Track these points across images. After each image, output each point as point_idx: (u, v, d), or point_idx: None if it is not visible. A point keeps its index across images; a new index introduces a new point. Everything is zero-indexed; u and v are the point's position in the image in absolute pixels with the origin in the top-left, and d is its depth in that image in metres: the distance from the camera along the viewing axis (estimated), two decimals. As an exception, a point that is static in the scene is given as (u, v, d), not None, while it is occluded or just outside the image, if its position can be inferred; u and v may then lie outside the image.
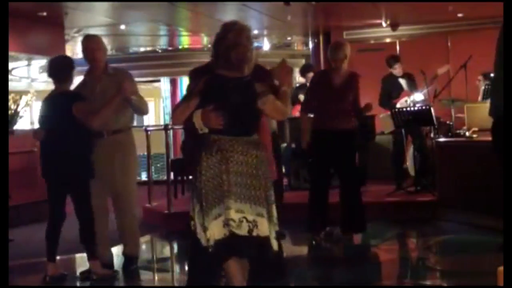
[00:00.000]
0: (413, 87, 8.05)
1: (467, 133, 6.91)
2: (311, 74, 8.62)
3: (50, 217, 4.89)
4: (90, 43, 5.00)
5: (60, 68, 4.88)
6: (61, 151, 4.76)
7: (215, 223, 3.44)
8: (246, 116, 3.59)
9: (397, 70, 8.11)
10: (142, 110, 5.09)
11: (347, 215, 5.87)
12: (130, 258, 5.17)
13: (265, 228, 3.49)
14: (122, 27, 10.29)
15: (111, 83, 4.87)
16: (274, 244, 3.53)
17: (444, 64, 8.64)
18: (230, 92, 3.54)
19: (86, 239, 4.83)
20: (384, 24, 10.31)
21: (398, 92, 8.01)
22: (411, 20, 10.41)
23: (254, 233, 3.45)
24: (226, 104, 3.51)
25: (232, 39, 3.54)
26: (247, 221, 3.45)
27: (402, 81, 8.05)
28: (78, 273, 5.13)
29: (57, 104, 4.80)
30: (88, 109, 4.71)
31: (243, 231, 3.43)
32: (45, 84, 15.22)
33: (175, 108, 3.86)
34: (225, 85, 3.55)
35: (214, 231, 3.44)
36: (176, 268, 5.89)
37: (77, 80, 5.13)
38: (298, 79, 10.31)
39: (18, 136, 7.99)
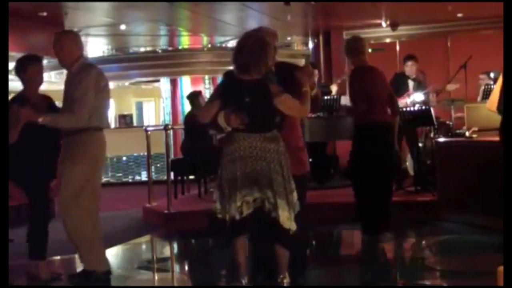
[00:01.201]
0: (420, 88, 8.01)
1: (467, 133, 6.91)
2: (315, 72, 8.62)
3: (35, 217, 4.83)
4: (53, 43, 4.67)
5: (15, 69, 4.81)
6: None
7: (233, 206, 3.85)
8: (262, 114, 3.88)
9: (408, 68, 8.07)
10: (62, 127, 4.52)
11: None
12: (85, 272, 4.65)
13: (283, 217, 3.84)
14: (122, 27, 10.29)
15: (73, 82, 4.56)
16: (293, 226, 3.88)
17: (447, 66, 8.65)
18: (245, 94, 3.85)
19: (31, 239, 4.80)
20: (384, 24, 10.32)
21: (403, 91, 7.98)
22: (411, 20, 10.41)
23: (273, 215, 3.84)
24: (243, 104, 3.84)
25: (239, 44, 3.93)
26: (269, 203, 3.85)
27: (411, 83, 8.02)
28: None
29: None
30: (14, 119, 4.45)
31: (266, 207, 3.85)
32: (45, 84, 15.24)
33: (203, 107, 4.28)
34: (239, 87, 3.88)
35: (231, 212, 3.86)
36: (176, 268, 5.89)
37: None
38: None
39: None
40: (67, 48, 4.59)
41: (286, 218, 3.86)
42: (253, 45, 3.85)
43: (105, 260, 4.75)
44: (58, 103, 5.13)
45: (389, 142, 5.77)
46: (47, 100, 4.90)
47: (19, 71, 4.77)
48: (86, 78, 4.49)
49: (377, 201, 5.71)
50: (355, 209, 5.90)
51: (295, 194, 3.95)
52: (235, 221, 3.86)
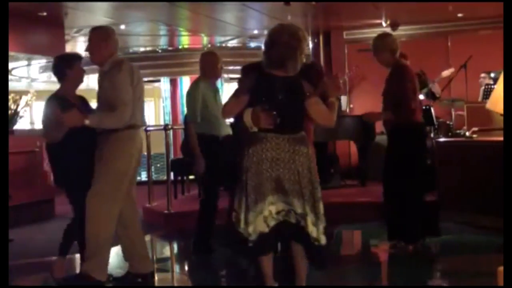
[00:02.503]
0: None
1: (467, 133, 6.91)
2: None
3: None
4: (88, 37, 4.57)
5: (52, 67, 4.73)
6: (50, 154, 4.69)
7: (259, 218, 3.56)
8: (293, 114, 3.61)
9: None
10: (107, 127, 4.35)
11: None
12: (81, 276, 4.47)
13: (311, 227, 3.58)
14: (122, 27, 10.28)
15: (106, 80, 4.41)
16: (323, 239, 3.61)
17: (447, 66, 8.62)
18: (277, 91, 3.57)
19: (64, 238, 4.72)
20: (384, 24, 10.32)
21: None
22: (411, 20, 10.41)
23: (301, 224, 3.58)
24: (273, 102, 3.54)
25: (272, 37, 3.62)
26: (295, 213, 3.58)
27: None
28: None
29: (45, 106, 4.66)
30: (48, 121, 4.44)
31: (292, 219, 3.59)
32: (45, 84, 15.26)
33: (226, 103, 3.89)
34: (272, 83, 3.59)
35: (257, 225, 3.55)
36: (176, 268, 5.89)
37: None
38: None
39: (18, 136, 8.01)
40: (96, 45, 4.47)
41: (314, 228, 3.58)
42: (290, 39, 3.57)
43: (106, 270, 4.59)
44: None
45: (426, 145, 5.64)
46: (82, 99, 4.78)
47: (63, 68, 4.63)
48: (119, 75, 4.32)
49: (419, 205, 5.43)
50: (391, 214, 5.49)
51: (321, 204, 3.66)
52: (262, 236, 3.56)
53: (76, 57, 4.76)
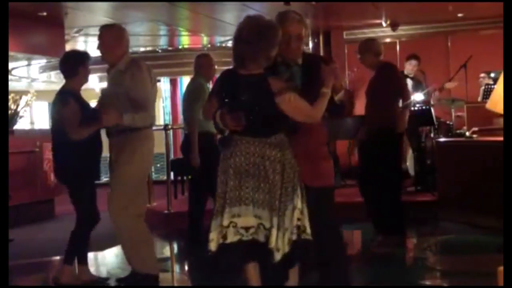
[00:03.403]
0: (418, 88, 8.03)
1: (467, 133, 6.91)
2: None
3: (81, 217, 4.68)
4: (99, 36, 4.47)
5: (63, 63, 4.66)
6: (55, 152, 4.66)
7: (218, 229, 3.23)
8: (263, 115, 3.22)
9: (411, 67, 8.17)
10: (138, 125, 4.30)
11: None
12: (133, 274, 4.52)
13: (273, 240, 3.15)
14: (122, 27, 10.29)
15: (124, 80, 4.27)
16: (276, 256, 3.15)
17: (447, 66, 8.61)
18: (241, 91, 3.23)
19: (72, 241, 4.66)
20: (384, 24, 10.32)
21: None
22: (411, 20, 10.41)
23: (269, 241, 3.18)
24: (240, 103, 3.21)
25: (235, 33, 3.31)
26: (264, 228, 3.18)
27: (409, 82, 8.05)
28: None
29: (54, 102, 4.63)
30: (71, 117, 4.40)
31: (260, 237, 3.19)
32: (45, 84, 15.25)
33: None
34: (235, 83, 3.27)
35: (215, 236, 3.23)
36: (176, 268, 5.89)
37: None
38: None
39: (18, 136, 8.01)
40: (109, 44, 4.38)
41: (274, 241, 3.13)
42: (251, 32, 3.19)
43: (155, 263, 4.55)
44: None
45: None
46: None
47: (76, 65, 4.60)
48: (141, 74, 4.26)
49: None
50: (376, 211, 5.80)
51: (296, 215, 3.20)
52: (221, 248, 3.18)
53: (87, 55, 4.73)
